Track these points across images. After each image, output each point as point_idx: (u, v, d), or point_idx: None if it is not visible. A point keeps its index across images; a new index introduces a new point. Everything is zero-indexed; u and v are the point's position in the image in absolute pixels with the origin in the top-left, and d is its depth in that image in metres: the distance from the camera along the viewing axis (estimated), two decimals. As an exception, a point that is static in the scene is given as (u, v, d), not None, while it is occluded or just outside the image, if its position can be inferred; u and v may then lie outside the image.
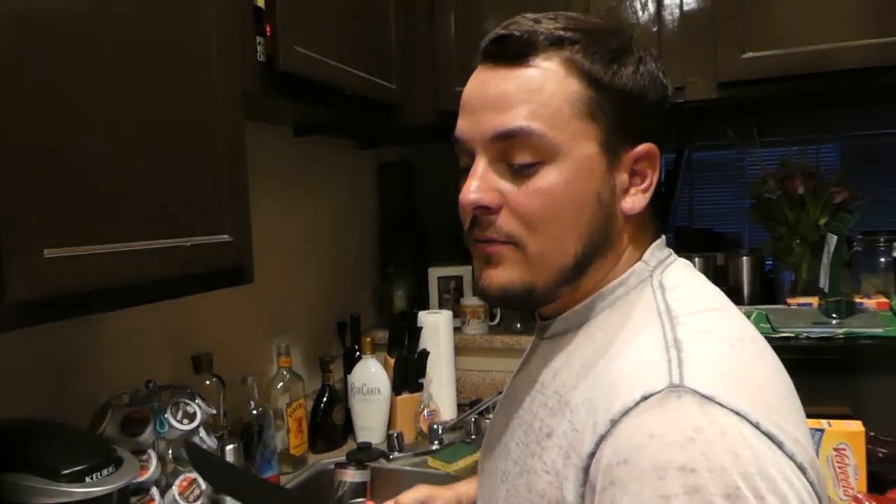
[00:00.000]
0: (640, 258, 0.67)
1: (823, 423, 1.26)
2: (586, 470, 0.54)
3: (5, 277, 0.66)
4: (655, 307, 0.62)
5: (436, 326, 1.83)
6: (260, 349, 1.62)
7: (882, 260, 1.68)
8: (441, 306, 2.06)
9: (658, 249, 0.69)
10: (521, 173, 0.62)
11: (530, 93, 0.61)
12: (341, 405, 1.71)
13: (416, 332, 1.80)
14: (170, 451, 1.03)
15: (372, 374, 1.71)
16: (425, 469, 1.55)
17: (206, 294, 1.42)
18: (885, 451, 1.32)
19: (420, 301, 2.11)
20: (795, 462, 0.49)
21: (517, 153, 0.62)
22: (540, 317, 0.73)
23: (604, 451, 0.52)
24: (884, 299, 1.51)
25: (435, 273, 2.10)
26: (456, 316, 1.97)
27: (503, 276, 0.64)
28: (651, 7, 1.55)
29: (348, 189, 2.05)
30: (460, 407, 1.87)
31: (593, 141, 0.62)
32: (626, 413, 0.51)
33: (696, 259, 1.89)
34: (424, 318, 1.84)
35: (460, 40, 1.64)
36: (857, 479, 1.23)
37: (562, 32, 0.62)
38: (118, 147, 0.79)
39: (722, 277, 1.92)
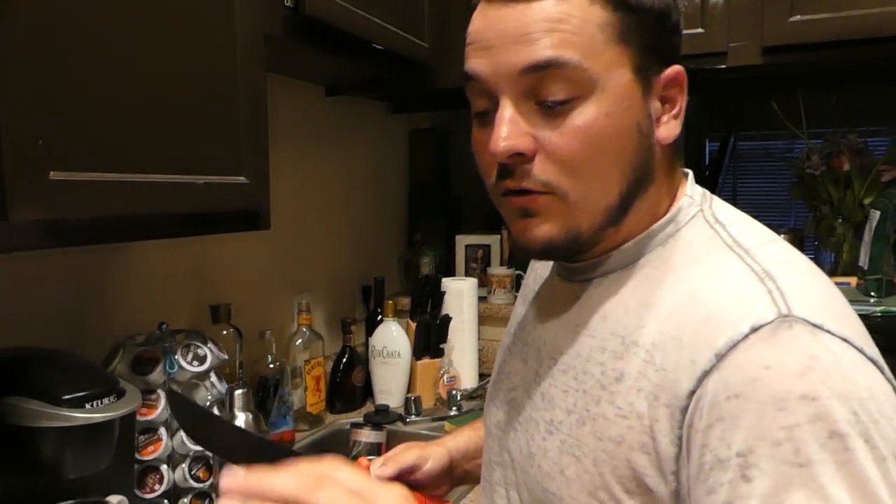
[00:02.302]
0: (677, 192, 0.64)
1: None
2: (684, 410, 0.51)
3: (9, 197, 0.65)
4: (721, 241, 0.59)
5: (460, 293, 1.81)
6: (281, 306, 1.62)
7: (929, 243, 1.60)
8: (468, 275, 2.03)
9: (693, 184, 0.66)
10: (554, 111, 0.57)
11: (557, 22, 0.56)
12: (361, 367, 1.70)
13: (439, 297, 1.78)
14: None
15: (393, 338, 1.70)
16: (441, 433, 1.53)
17: (228, 245, 1.44)
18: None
19: (447, 269, 2.09)
20: (893, 385, 0.49)
21: (549, 89, 0.56)
22: (569, 259, 0.68)
23: (707, 388, 0.49)
24: (929, 282, 1.43)
25: (462, 241, 2.07)
26: (482, 285, 1.95)
27: (545, 228, 0.59)
28: (695, -31, 1.48)
29: (379, 153, 2.04)
30: (482, 377, 1.85)
31: (627, 68, 0.58)
32: (733, 346, 0.49)
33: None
34: (448, 284, 1.82)
35: None
36: None
37: None
38: (132, 78, 0.78)
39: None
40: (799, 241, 1.85)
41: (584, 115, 0.56)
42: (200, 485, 1.02)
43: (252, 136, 0.98)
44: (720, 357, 0.49)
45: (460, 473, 0.88)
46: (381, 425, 1.50)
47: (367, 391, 1.73)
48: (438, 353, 1.73)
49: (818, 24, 1.36)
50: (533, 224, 0.60)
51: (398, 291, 2.07)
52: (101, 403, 0.78)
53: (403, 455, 0.81)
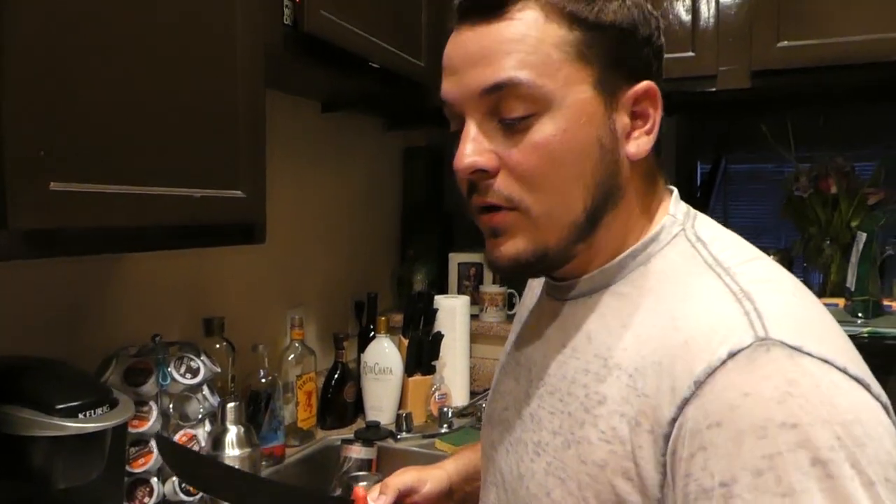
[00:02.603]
0: (657, 210, 0.64)
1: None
2: (667, 437, 0.51)
3: (9, 205, 0.66)
4: (702, 260, 0.59)
5: (452, 310, 1.82)
6: (274, 320, 1.63)
7: (915, 265, 1.62)
8: (460, 292, 2.04)
9: (677, 202, 0.66)
10: (514, 128, 0.59)
11: (513, 43, 0.58)
12: (353, 383, 1.70)
13: (431, 314, 1.79)
14: (171, 406, 1.03)
15: (385, 354, 1.70)
16: (432, 451, 1.54)
17: (222, 258, 1.45)
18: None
19: (440, 286, 2.09)
20: (881, 403, 0.49)
21: (508, 107, 0.58)
22: (553, 278, 0.69)
23: (688, 415, 0.49)
24: (915, 303, 1.46)
25: (455, 259, 2.08)
26: (475, 303, 1.96)
27: (511, 246, 0.60)
28: (687, -6, 1.52)
29: (373, 170, 2.05)
30: (472, 395, 1.85)
31: (587, 84, 0.59)
32: (711, 373, 0.49)
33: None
34: (441, 301, 1.83)
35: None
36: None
37: None
38: (133, 92, 0.79)
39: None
40: (788, 262, 1.87)
41: (542, 130, 0.58)
42: (190, 498, 1.02)
43: (250, 151, 0.99)
44: (699, 384, 0.49)
45: (460, 497, 0.87)
46: (372, 441, 1.50)
47: (359, 407, 1.72)
48: (430, 370, 1.73)
49: (804, 50, 1.40)
50: (500, 242, 0.61)
51: (390, 308, 2.08)
52: (95, 413, 0.78)
53: (401, 478, 0.81)
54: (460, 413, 1.71)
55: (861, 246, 1.38)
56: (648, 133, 0.62)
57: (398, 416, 1.62)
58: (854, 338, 1.30)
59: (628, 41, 0.60)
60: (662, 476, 0.51)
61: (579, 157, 0.59)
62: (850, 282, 1.40)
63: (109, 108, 0.76)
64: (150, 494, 0.99)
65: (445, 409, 1.64)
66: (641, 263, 0.62)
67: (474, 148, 0.59)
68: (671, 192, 0.67)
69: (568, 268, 0.64)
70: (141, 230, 0.83)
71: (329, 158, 1.82)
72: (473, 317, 1.92)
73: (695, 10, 1.49)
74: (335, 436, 1.61)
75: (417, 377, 1.72)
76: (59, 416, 0.75)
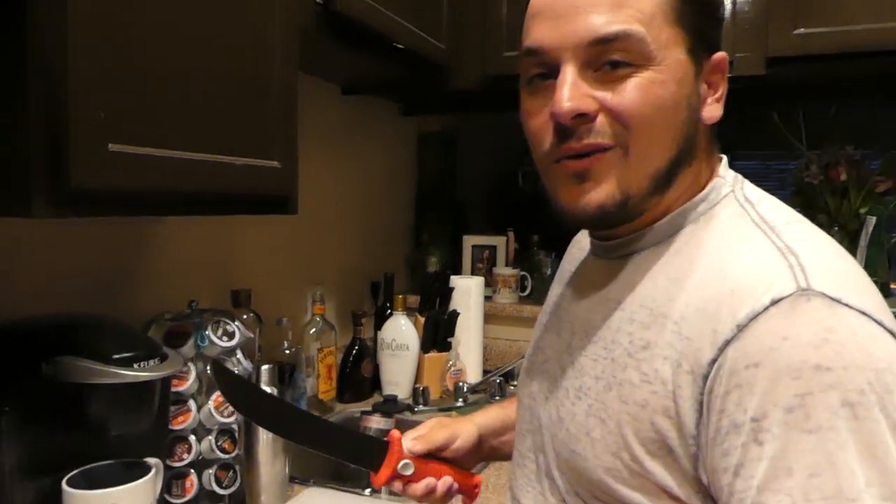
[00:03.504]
0: (712, 173, 0.68)
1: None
2: (705, 377, 0.54)
3: (71, 163, 0.70)
4: (750, 219, 0.62)
5: (467, 290, 1.86)
6: (295, 296, 1.67)
7: (922, 251, 1.66)
8: (474, 274, 2.08)
9: (727, 167, 0.69)
10: (614, 76, 0.60)
11: None
12: (370, 359, 1.75)
13: (447, 293, 1.83)
14: (207, 368, 1.07)
15: (402, 331, 1.74)
16: (449, 423, 1.58)
17: (249, 232, 1.49)
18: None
19: (453, 269, 2.13)
20: None
21: (612, 57, 0.60)
22: (603, 238, 0.72)
23: (728, 356, 0.52)
24: (921, 287, 1.49)
25: (469, 241, 2.12)
26: (487, 285, 2.00)
27: (601, 191, 0.62)
28: (703, -18, 1.55)
29: (389, 154, 2.09)
30: (485, 372, 1.89)
31: (682, 47, 0.62)
32: (754, 318, 0.52)
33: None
34: (457, 281, 1.87)
35: (511, 5, 1.66)
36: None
37: None
38: (185, 64, 0.83)
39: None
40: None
41: (643, 80, 0.60)
42: (226, 456, 1.06)
43: (284, 124, 1.03)
44: (741, 328, 0.52)
45: (488, 449, 0.91)
46: (391, 413, 1.54)
47: (375, 383, 1.77)
48: (446, 347, 1.78)
49: (820, 37, 1.43)
50: (587, 188, 0.62)
51: (405, 289, 2.12)
52: (147, 364, 0.82)
53: (434, 434, 0.83)
54: (474, 389, 1.75)
55: (871, 229, 1.41)
56: (719, 101, 0.66)
57: (415, 390, 1.66)
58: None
59: (713, 15, 0.65)
60: (699, 414, 0.55)
61: (673, 110, 0.62)
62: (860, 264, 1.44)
63: (160, 77, 0.80)
64: (189, 451, 1.03)
65: (461, 384, 1.68)
66: (692, 221, 0.65)
67: (574, 92, 0.60)
68: (721, 158, 0.70)
69: (626, 226, 0.67)
70: (188, 195, 0.87)
71: (347, 141, 1.86)
72: (486, 298, 1.97)
73: (712, -3, 1.52)
74: (354, 408, 1.65)
75: (433, 354, 1.76)
76: (116, 366, 0.79)
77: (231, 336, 1.08)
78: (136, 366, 0.80)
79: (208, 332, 1.05)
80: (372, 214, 2.01)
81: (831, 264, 0.56)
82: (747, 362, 0.51)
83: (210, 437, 1.06)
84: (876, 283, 1.42)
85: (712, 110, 0.65)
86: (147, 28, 0.78)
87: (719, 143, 0.70)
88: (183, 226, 1.32)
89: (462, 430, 0.86)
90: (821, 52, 1.43)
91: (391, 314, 1.78)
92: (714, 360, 0.54)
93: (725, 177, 0.68)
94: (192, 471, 1.04)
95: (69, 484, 0.80)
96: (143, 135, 0.78)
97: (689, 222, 0.65)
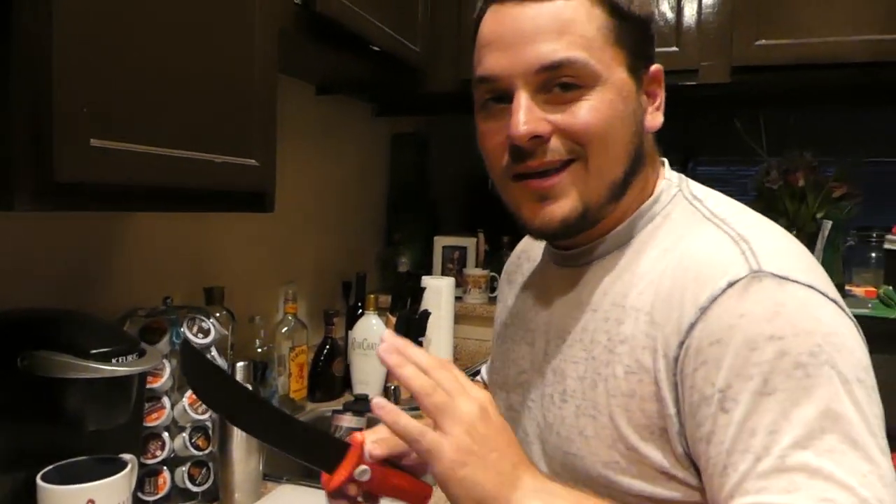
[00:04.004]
0: (658, 176, 0.73)
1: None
2: (676, 358, 0.59)
3: (55, 158, 0.70)
4: (701, 215, 0.67)
5: (438, 290, 1.88)
6: (268, 294, 1.67)
7: (873, 255, 1.73)
8: (444, 275, 2.10)
9: (669, 169, 0.75)
10: (565, 98, 0.64)
11: (566, 23, 0.64)
12: (341, 358, 1.75)
13: (419, 293, 1.85)
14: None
15: (373, 330, 1.75)
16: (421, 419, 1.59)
17: (222, 230, 1.49)
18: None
19: (424, 269, 2.15)
20: (853, 322, 0.58)
21: (561, 83, 0.64)
22: (561, 247, 0.75)
23: (693, 336, 0.58)
24: (872, 288, 1.56)
25: (440, 242, 2.15)
26: (458, 285, 2.02)
27: (563, 206, 0.66)
28: (671, -7, 1.60)
29: (362, 155, 2.10)
30: (456, 373, 1.91)
31: (623, 66, 0.66)
32: (713, 300, 0.57)
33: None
34: (428, 281, 1.88)
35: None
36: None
37: None
38: (167, 63, 0.84)
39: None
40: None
41: (593, 100, 0.65)
42: (200, 453, 1.06)
43: (263, 123, 1.04)
44: (703, 310, 0.58)
45: None
46: (363, 412, 1.55)
47: (347, 382, 1.78)
48: (417, 347, 1.79)
49: (781, 49, 1.49)
50: (549, 205, 0.67)
51: (377, 289, 2.13)
52: (126, 360, 0.82)
53: (397, 441, 0.74)
54: (445, 389, 1.77)
55: (826, 233, 1.47)
56: (658, 109, 0.71)
57: (386, 389, 1.67)
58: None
59: (647, 31, 0.69)
60: (675, 393, 0.59)
61: (622, 124, 0.66)
62: (817, 267, 1.49)
63: (143, 75, 0.81)
64: (162, 449, 1.03)
65: (432, 384, 1.70)
66: (648, 221, 0.70)
67: (529, 116, 0.64)
68: (663, 162, 0.75)
69: (583, 236, 0.71)
70: (169, 190, 0.87)
71: (321, 141, 1.87)
72: (457, 298, 1.99)
73: (679, 7, 1.57)
74: (325, 408, 1.66)
75: (404, 353, 1.77)
76: (94, 361, 0.79)
77: (206, 333, 1.08)
78: (114, 360, 0.81)
79: (184, 328, 1.05)
80: (344, 214, 2.02)
81: (779, 246, 0.61)
82: (710, 340, 0.57)
83: (184, 434, 1.06)
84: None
85: (653, 119, 0.71)
86: (130, 26, 0.78)
87: (660, 148, 0.75)
88: (156, 222, 1.31)
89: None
90: (781, 62, 1.49)
91: (363, 314, 1.78)
92: (682, 343, 0.59)
93: (671, 178, 0.73)
94: (166, 468, 1.04)
95: (44, 479, 0.80)
96: (125, 131, 0.79)
97: (645, 223, 0.70)
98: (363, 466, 0.68)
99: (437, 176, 2.42)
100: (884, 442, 0.54)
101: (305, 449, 0.70)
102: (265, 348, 1.48)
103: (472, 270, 2.06)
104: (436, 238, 2.16)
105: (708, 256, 0.61)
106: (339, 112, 1.92)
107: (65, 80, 0.70)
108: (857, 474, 0.51)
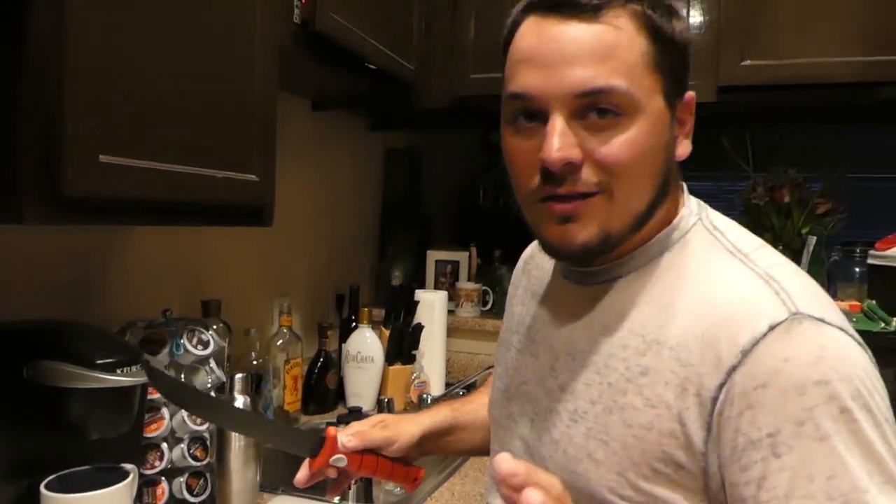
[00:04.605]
0: (678, 203, 0.72)
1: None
2: (714, 400, 0.59)
3: (65, 173, 0.72)
4: (722, 247, 0.67)
5: (431, 304, 1.90)
6: (263, 307, 1.69)
7: (857, 270, 1.76)
8: (437, 288, 2.12)
9: (689, 195, 0.73)
10: (601, 125, 0.63)
11: (610, 48, 0.62)
12: (335, 371, 1.77)
13: (412, 306, 1.87)
14: (182, 376, 1.09)
15: (367, 343, 1.77)
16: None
17: (218, 244, 1.51)
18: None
19: (417, 282, 2.17)
20: (874, 362, 0.60)
21: (599, 108, 0.63)
22: (577, 263, 0.74)
23: (735, 380, 0.58)
24: (856, 302, 1.59)
25: (433, 256, 2.17)
26: (450, 299, 2.04)
27: (585, 232, 0.65)
28: (659, 13, 1.64)
29: (356, 169, 2.13)
30: (448, 386, 1.93)
31: (660, 94, 0.65)
32: (755, 343, 0.57)
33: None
34: (421, 295, 1.91)
35: (480, 30, 1.73)
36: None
37: None
38: (172, 83, 0.86)
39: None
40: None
41: (629, 131, 0.63)
42: (198, 463, 1.07)
43: (262, 139, 1.07)
44: (745, 353, 0.57)
45: (431, 447, 0.92)
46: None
47: (340, 395, 1.79)
48: (410, 360, 1.81)
49: (766, 69, 1.53)
50: (572, 229, 0.65)
51: (370, 302, 2.14)
52: (130, 370, 0.84)
53: (371, 434, 0.84)
54: (437, 401, 1.78)
55: (811, 248, 1.51)
56: (687, 136, 0.70)
57: (380, 402, 1.69)
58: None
59: (685, 57, 0.68)
60: (707, 433, 0.60)
61: (653, 156, 0.65)
62: (802, 281, 1.53)
63: (149, 93, 0.83)
64: (161, 459, 1.04)
65: (425, 396, 1.72)
66: (667, 249, 0.69)
67: (564, 142, 0.63)
68: (682, 186, 0.74)
69: (602, 257, 0.70)
70: (173, 204, 0.89)
71: (316, 156, 1.89)
72: (449, 312, 2.01)
73: (667, 28, 1.61)
74: (318, 420, 1.67)
75: (398, 366, 1.79)
76: (100, 371, 0.81)
77: (206, 345, 1.10)
78: (118, 371, 0.82)
79: (183, 340, 1.07)
80: (338, 228, 2.04)
81: (805, 287, 0.62)
82: (755, 384, 0.57)
83: (182, 445, 1.07)
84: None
85: (684, 147, 0.70)
86: (137, 48, 0.81)
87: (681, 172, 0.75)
88: (153, 236, 1.33)
89: (403, 431, 0.87)
90: (766, 82, 1.53)
91: (356, 326, 1.80)
92: (722, 385, 0.58)
93: (690, 206, 0.72)
94: (164, 478, 1.06)
95: (47, 488, 0.81)
96: (132, 147, 0.81)
97: (665, 250, 0.69)
98: (338, 455, 0.79)
99: (430, 190, 2.45)
100: None
101: (288, 440, 0.85)
102: (260, 360, 1.49)
103: (465, 284, 2.08)
104: (429, 252, 2.18)
105: (741, 295, 0.61)
106: (333, 127, 1.94)
107: (75, 98, 0.72)
108: None
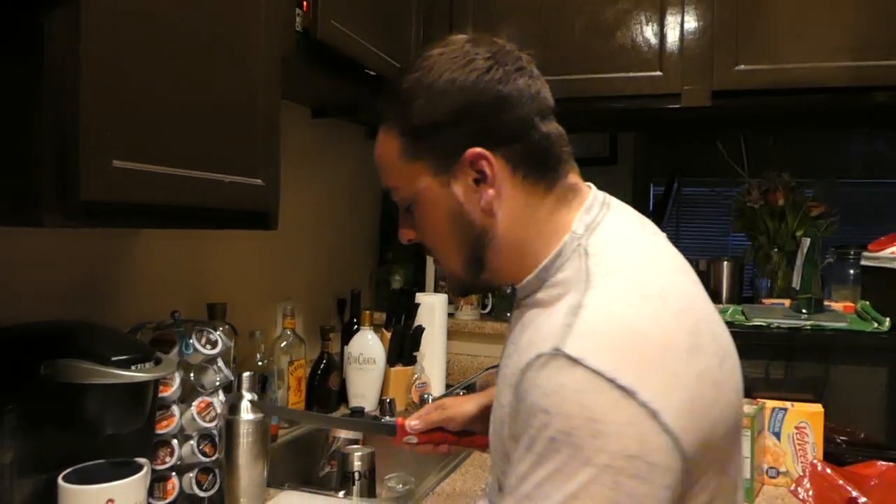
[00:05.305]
0: (566, 224, 0.74)
1: (787, 404, 1.37)
2: (511, 404, 0.70)
3: (81, 178, 0.76)
4: (584, 273, 0.70)
5: (432, 307, 1.93)
6: (266, 311, 1.72)
7: (851, 272, 1.79)
8: (436, 292, 2.15)
9: (585, 213, 0.75)
10: (410, 213, 0.80)
11: (380, 158, 0.80)
12: (337, 373, 1.80)
13: (413, 309, 1.90)
14: (191, 375, 1.12)
15: (369, 345, 1.80)
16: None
17: (223, 248, 1.54)
18: (843, 437, 1.43)
19: (417, 286, 2.20)
20: (649, 408, 0.60)
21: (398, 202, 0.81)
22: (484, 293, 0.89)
23: (515, 393, 0.68)
24: (850, 304, 1.63)
25: (433, 260, 2.19)
26: (450, 303, 2.07)
27: (448, 283, 0.88)
28: (654, 21, 1.67)
29: (355, 176, 2.16)
30: (448, 387, 1.96)
31: (426, 174, 0.76)
32: (527, 367, 0.66)
33: (681, 261, 2.01)
34: (422, 298, 1.94)
35: (476, 37, 1.76)
36: (815, 455, 1.33)
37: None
38: (181, 92, 0.90)
39: (703, 282, 2.03)
40: (739, 269, 2.04)
41: (417, 214, 0.79)
42: (207, 459, 1.10)
43: (267, 145, 1.10)
44: (522, 372, 0.66)
45: (483, 427, 0.98)
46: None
47: (342, 395, 1.82)
48: (411, 361, 1.84)
49: (760, 74, 1.57)
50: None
51: (370, 307, 2.17)
52: (144, 366, 0.87)
53: (430, 416, 1.02)
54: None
55: (805, 250, 1.54)
56: (490, 185, 0.74)
57: (381, 402, 1.72)
58: (798, 330, 1.46)
59: (445, 127, 0.74)
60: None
61: (442, 226, 0.77)
62: (796, 282, 1.56)
63: (160, 101, 0.87)
64: (171, 455, 1.07)
65: (426, 396, 1.75)
66: (550, 276, 0.74)
67: (401, 230, 0.84)
68: (581, 202, 0.76)
69: (507, 281, 0.80)
70: (182, 208, 0.93)
71: (316, 163, 1.92)
72: (449, 315, 2.04)
73: (662, 34, 1.65)
74: (321, 420, 1.70)
75: (399, 367, 1.82)
76: (115, 367, 0.84)
77: (214, 345, 1.13)
78: (133, 367, 0.85)
79: (192, 340, 1.10)
80: (338, 233, 2.07)
81: (606, 324, 0.64)
82: (518, 398, 0.67)
83: (192, 442, 1.10)
84: (811, 298, 1.54)
85: (487, 196, 0.74)
86: (147, 59, 0.84)
87: (570, 189, 0.77)
88: (159, 240, 1.36)
89: (459, 412, 1.02)
90: (760, 86, 1.57)
91: (358, 329, 1.83)
92: (514, 393, 0.68)
93: (577, 230, 0.74)
94: (174, 474, 1.08)
95: (65, 480, 0.84)
96: (144, 153, 0.84)
97: (549, 276, 0.74)
98: (408, 436, 1.02)
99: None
100: None
101: (372, 429, 1.13)
102: (265, 362, 1.52)
103: (465, 287, 2.11)
104: (428, 256, 2.21)
105: (546, 323, 0.69)
106: (333, 134, 1.98)
107: (90, 106, 0.76)
108: None
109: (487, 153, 0.73)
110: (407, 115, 0.74)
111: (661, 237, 0.78)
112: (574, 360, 0.61)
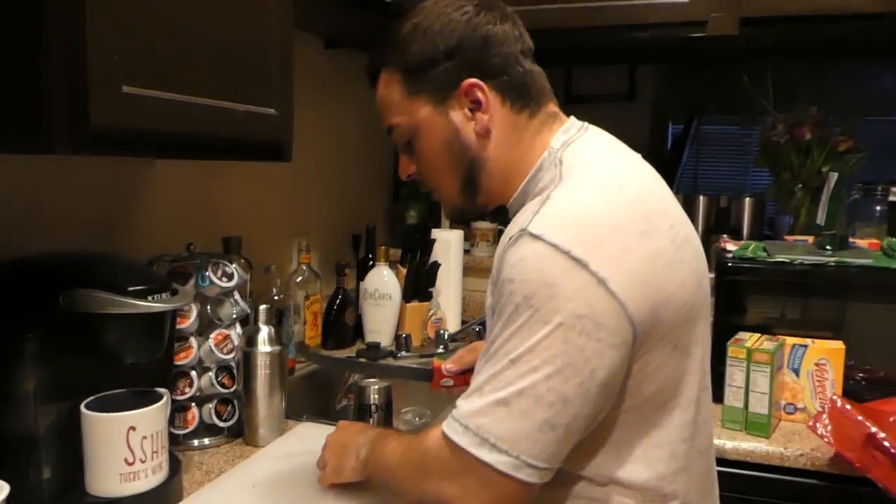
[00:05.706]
0: (545, 144, 0.84)
1: (808, 341, 1.36)
2: (494, 278, 0.77)
3: (91, 103, 0.74)
4: (555, 179, 0.79)
5: (448, 243, 1.92)
6: (281, 246, 1.71)
7: (878, 209, 1.75)
8: (452, 228, 2.13)
9: (563, 133, 0.85)
10: (410, 148, 0.88)
11: (382, 100, 0.91)
12: (353, 308, 1.80)
13: (428, 245, 1.89)
14: (208, 308, 1.12)
15: (384, 281, 1.80)
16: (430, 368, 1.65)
17: (238, 181, 1.53)
18: (863, 375, 1.42)
19: (432, 222, 2.18)
20: (598, 276, 0.69)
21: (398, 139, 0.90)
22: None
23: (498, 265, 0.75)
24: (875, 241, 1.59)
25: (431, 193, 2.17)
26: (466, 239, 2.05)
27: (444, 209, 0.94)
28: (681, -56, 1.59)
29: (369, 109, 2.11)
30: (464, 323, 1.96)
31: (427, 105, 0.84)
32: (502, 251, 0.74)
33: (700, 197, 1.97)
34: (438, 234, 1.92)
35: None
36: (834, 391, 1.33)
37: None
38: (193, 17, 0.87)
39: (724, 219, 2.00)
40: (761, 205, 2.00)
41: (417, 146, 0.86)
42: (225, 391, 1.12)
43: (280, 74, 1.07)
44: (505, 250, 0.74)
45: None
46: (375, 359, 1.61)
47: (358, 330, 1.83)
48: (427, 297, 1.84)
49: (791, 0, 1.50)
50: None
51: (384, 242, 2.16)
52: (160, 297, 0.86)
53: (464, 357, 1.06)
54: (453, 337, 1.82)
55: (832, 185, 1.50)
56: (485, 112, 0.83)
57: (397, 337, 1.72)
58: (822, 266, 1.43)
59: (441, 62, 0.82)
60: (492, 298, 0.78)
61: (441, 155, 0.85)
62: (821, 218, 1.53)
63: (170, 27, 0.84)
64: (190, 386, 1.08)
65: (442, 332, 1.75)
66: (533, 187, 0.83)
67: (401, 166, 0.93)
68: (561, 126, 0.86)
69: (499, 202, 0.88)
70: (192, 137, 0.90)
71: (329, 95, 1.88)
72: (465, 251, 2.03)
73: (689, -41, 1.57)
74: (338, 355, 1.71)
75: (415, 303, 1.82)
76: (132, 297, 0.83)
77: (230, 277, 1.13)
78: (150, 298, 0.85)
79: (209, 272, 1.10)
80: (353, 168, 2.04)
81: (563, 209, 0.74)
82: (498, 271, 0.75)
83: (210, 374, 1.11)
84: (835, 235, 1.50)
85: (481, 122, 0.83)
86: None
87: (551, 115, 0.87)
88: (175, 174, 1.35)
89: None
90: (790, 13, 1.50)
91: (374, 265, 1.83)
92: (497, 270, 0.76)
93: (554, 145, 0.83)
94: (194, 404, 1.10)
95: (87, 408, 0.85)
96: (155, 79, 0.82)
97: (531, 188, 0.83)
98: (445, 379, 1.05)
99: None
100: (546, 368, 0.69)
101: (410, 374, 1.13)
102: (281, 296, 1.52)
103: (480, 224, 2.09)
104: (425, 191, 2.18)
105: (521, 216, 0.76)
106: (346, 66, 1.93)
107: (98, 30, 0.73)
108: (490, 390, 0.71)
109: (481, 83, 0.82)
110: (406, 56, 0.84)
111: (636, 156, 0.85)
112: (535, 236, 0.70)
